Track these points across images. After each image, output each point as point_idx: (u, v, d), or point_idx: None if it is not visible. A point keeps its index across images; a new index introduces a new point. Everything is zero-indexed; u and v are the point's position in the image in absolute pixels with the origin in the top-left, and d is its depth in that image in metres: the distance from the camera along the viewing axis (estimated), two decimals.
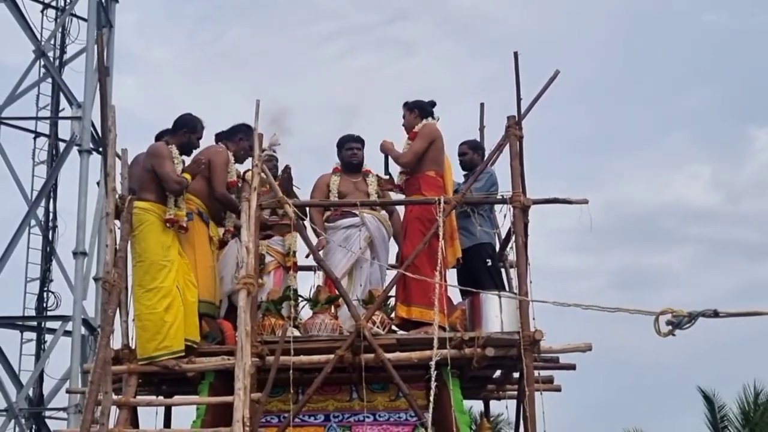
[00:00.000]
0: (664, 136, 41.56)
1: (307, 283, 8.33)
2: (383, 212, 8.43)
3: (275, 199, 7.75)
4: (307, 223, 7.97)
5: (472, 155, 8.64)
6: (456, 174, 8.75)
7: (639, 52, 40.59)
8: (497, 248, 8.57)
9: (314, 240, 7.90)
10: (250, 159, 7.82)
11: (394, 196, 8.54)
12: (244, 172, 7.96)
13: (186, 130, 7.74)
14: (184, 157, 7.77)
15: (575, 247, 34.56)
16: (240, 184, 7.86)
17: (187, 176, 7.55)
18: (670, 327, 3.93)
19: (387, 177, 8.42)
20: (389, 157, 8.32)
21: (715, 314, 3.90)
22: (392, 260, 8.56)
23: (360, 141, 8.56)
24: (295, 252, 8.30)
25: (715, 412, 18.58)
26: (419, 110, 8.29)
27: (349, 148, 8.51)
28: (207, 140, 8.03)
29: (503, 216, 8.01)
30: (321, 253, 7.95)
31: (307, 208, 8.26)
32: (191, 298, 7.40)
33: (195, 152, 7.89)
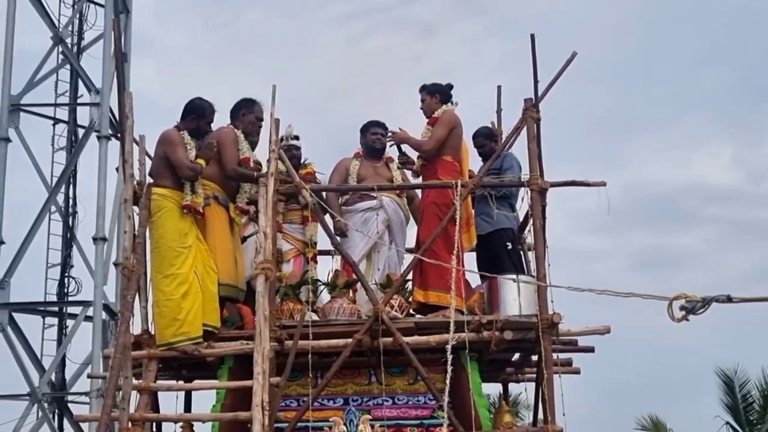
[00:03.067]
0: (683, 115, 41.17)
1: (325, 268, 8.37)
2: (403, 197, 8.42)
3: (292, 185, 7.77)
4: (326, 209, 7.96)
5: (490, 144, 8.62)
6: (475, 162, 8.77)
7: (656, 30, 40.17)
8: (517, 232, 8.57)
9: (330, 224, 7.92)
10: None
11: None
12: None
13: (194, 116, 7.76)
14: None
15: (594, 228, 34.37)
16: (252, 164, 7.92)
17: (201, 162, 7.57)
18: (683, 312, 3.93)
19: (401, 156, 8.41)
20: (403, 146, 8.33)
21: (729, 299, 3.89)
22: (410, 244, 8.58)
23: (384, 127, 8.55)
24: (315, 243, 8.32)
25: (736, 394, 18.44)
26: (440, 95, 8.28)
27: (374, 133, 8.50)
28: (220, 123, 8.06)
29: (521, 199, 8.01)
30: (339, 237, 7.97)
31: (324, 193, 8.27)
32: (211, 284, 7.44)
33: (207, 137, 7.91)
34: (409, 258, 8.01)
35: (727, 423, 18.32)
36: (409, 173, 8.53)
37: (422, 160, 8.20)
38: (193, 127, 7.73)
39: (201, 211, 7.52)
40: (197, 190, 7.56)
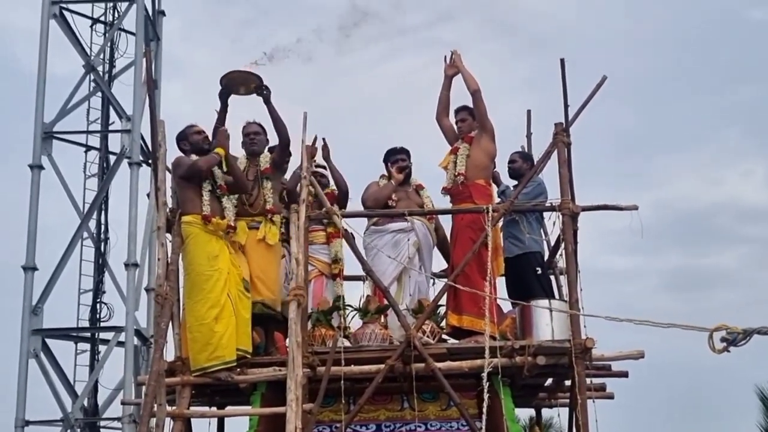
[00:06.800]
0: (715, 132, 40.79)
1: (356, 293, 8.37)
2: (432, 222, 8.41)
3: (323, 210, 7.81)
4: (356, 233, 7.98)
5: (522, 163, 8.58)
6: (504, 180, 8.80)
7: (685, 46, 39.88)
8: (546, 256, 8.54)
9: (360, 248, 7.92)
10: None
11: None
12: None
13: (181, 141, 7.88)
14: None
15: (626, 248, 34.01)
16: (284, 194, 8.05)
17: (220, 151, 7.64)
18: (724, 344, 3.89)
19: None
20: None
21: None
22: (437, 268, 8.58)
23: (405, 152, 8.56)
24: (341, 259, 8.33)
25: None
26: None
27: (395, 161, 8.51)
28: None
29: (552, 223, 7.98)
30: (369, 258, 7.98)
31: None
32: (243, 310, 7.46)
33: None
34: (439, 282, 8.01)
35: None
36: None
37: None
38: (188, 148, 7.84)
39: (231, 224, 7.60)
40: (226, 205, 7.65)
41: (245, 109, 8.21)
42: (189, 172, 7.57)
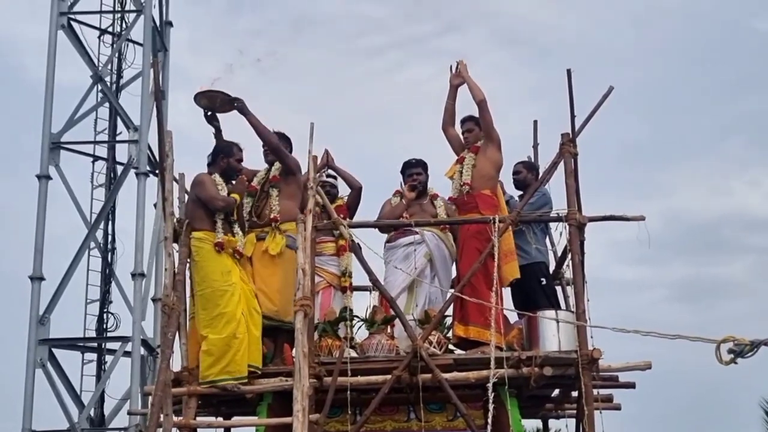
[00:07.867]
0: (721, 142, 40.72)
1: (363, 304, 8.36)
2: (447, 232, 8.40)
3: (330, 221, 7.82)
4: (363, 245, 7.98)
5: (527, 174, 8.62)
6: (509, 191, 8.80)
7: (690, 57, 39.81)
8: (552, 266, 8.53)
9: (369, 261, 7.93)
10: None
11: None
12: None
13: (222, 155, 7.85)
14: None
15: (633, 258, 33.96)
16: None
17: (236, 196, 7.66)
18: (732, 356, 3.88)
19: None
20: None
21: None
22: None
23: (421, 165, 8.56)
24: (350, 273, 8.33)
25: None
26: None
27: (410, 175, 8.51)
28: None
29: (559, 234, 7.99)
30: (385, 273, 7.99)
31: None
32: (254, 327, 7.46)
33: None
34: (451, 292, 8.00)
35: None
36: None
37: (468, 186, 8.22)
38: (224, 166, 7.82)
39: (240, 249, 7.59)
40: (236, 230, 7.64)
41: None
42: (207, 202, 7.58)
